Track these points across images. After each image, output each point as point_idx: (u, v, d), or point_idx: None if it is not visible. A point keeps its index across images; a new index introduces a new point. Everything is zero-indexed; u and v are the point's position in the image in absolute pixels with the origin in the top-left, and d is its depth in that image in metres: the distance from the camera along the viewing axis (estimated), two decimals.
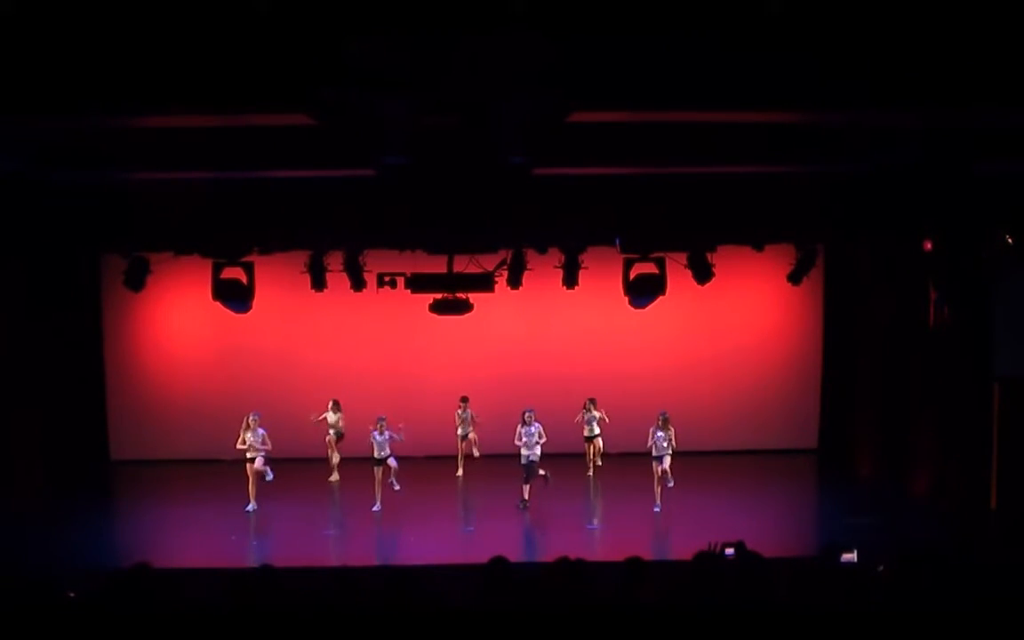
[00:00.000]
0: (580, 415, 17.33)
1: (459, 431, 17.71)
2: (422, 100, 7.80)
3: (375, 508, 15.43)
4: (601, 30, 7.66)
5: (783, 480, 17.74)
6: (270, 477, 15.55)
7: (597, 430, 17.38)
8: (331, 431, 17.36)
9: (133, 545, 13.71)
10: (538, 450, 15.36)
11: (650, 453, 15.34)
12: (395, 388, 18.39)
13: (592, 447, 17.46)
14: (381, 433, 15.47)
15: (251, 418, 15.61)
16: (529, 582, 6.25)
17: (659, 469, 15.28)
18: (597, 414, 17.29)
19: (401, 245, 14.92)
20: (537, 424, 15.44)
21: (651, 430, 15.39)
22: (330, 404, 17.35)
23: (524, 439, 15.37)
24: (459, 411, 17.69)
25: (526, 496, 15.40)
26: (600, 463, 17.44)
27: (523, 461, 15.39)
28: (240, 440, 15.55)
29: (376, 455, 15.51)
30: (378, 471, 15.51)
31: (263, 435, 15.51)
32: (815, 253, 15.82)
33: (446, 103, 7.87)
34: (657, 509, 15.18)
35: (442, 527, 14.70)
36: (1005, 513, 14.40)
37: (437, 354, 18.83)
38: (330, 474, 17.40)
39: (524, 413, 15.55)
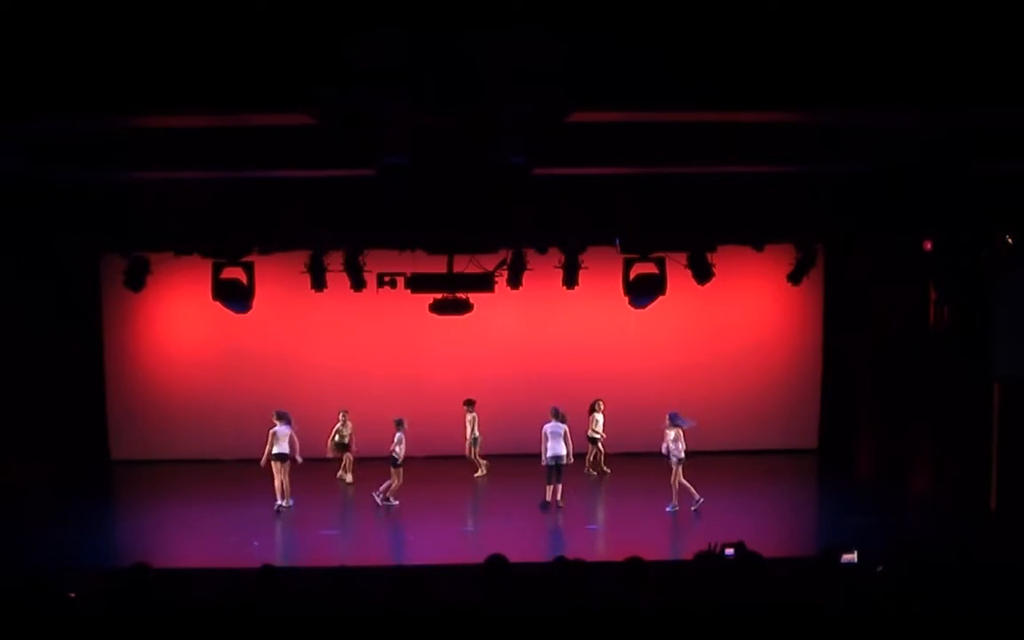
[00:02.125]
0: (591, 418, 17.36)
1: (466, 433, 17.69)
2: (422, 100, 7.80)
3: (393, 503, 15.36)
4: (601, 29, 7.66)
5: (783, 480, 17.73)
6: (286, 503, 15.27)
7: (600, 432, 17.36)
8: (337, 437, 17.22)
9: (133, 545, 13.67)
10: (561, 450, 15.15)
11: (665, 456, 15.14)
12: (395, 388, 18.39)
13: (594, 449, 17.47)
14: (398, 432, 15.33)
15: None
16: (528, 582, 6.25)
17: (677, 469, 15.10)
18: (600, 418, 17.29)
19: (401, 245, 14.92)
20: (563, 425, 15.33)
21: (664, 430, 15.27)
22: (341, 415, 17.04)
23: (550, 440, 15.23)
24: (467, 415, 17.67)
25: (548, 497, 15.20)
26: (595, 472, 17.42)
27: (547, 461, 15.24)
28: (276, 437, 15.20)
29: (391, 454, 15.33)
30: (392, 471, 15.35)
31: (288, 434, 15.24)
32: (815, 253, 15.82)
33: (446, 103, 7.86)
34: (670, 509, 14.96)
35: (442, 527, 14.68)
36: (1005, 513, 14.39)
37: (437, 354, 18.84)
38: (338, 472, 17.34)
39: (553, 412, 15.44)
